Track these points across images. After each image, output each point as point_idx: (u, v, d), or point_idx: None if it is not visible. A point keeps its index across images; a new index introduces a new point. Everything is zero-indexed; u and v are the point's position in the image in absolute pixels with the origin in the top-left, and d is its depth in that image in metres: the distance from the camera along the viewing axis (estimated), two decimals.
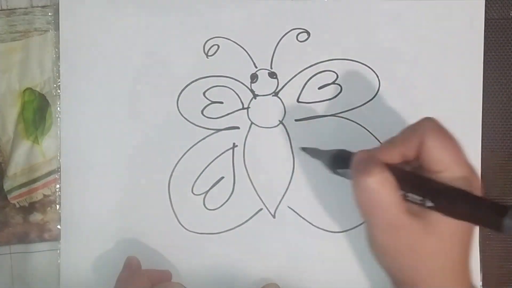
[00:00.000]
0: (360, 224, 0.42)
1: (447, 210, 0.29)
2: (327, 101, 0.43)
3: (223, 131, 0.43)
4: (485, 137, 0.42)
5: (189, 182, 0.43)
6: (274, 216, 0.42)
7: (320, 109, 0.42)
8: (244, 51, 0.43)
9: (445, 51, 0.42)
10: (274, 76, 0.43)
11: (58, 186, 0.43)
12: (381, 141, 0.42)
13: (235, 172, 0.43)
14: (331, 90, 0.43)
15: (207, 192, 0.43)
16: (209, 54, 0.43)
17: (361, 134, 0.42)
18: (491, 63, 0.43)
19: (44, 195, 0.43)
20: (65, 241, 0.42)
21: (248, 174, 0.42)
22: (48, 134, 0.43)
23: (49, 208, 0.43)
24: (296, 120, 0.43)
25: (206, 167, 0.43)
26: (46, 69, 0.43)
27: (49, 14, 0.43)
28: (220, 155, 0.43)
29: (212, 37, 0.43)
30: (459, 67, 0.42)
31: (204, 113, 0.43)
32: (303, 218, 0.42)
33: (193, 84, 0.43)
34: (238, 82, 0.43)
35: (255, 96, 0.43)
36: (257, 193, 0.42)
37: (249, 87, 0.43)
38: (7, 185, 0.43)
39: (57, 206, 0.43)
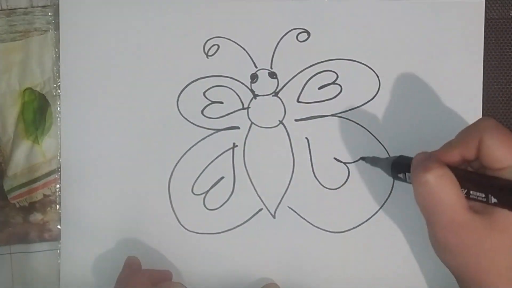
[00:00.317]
0: (360, 224, 0.42)
1: (511, 206, 0.29)
2: (327, 101, 0.43)
3: (223, 131, 0.43)
4: None
5: (189, 182, 0.42)
6: (274, 216, 0.42)
7: (320, 109, 0.42)
8: (244, 51, 0.43)
9: (445, 51, 0.42)
10: (274, 76, 0.43)
11: (58, 186, 0.43)
12: (381, 141, 0.42)
13: (235, 172, 0.43)
14: (331, 90, 0.43)
15: (207, 192, 0.43)
16: (209, 54, 0.43)
17: (361, 134, 0.42)
18: (491, 63, 0.43)
19: (44, 195, 0.43)
20: (65, 241, 0.42)
21: (248, 174, 0.42)
22: (48, 134, 0.43)
23: (49, 208, 0.43)
24: (296, 120, 0.43)
25: (206, 167, 0.43)
26: (46, 69, 0.43)
27: (49, 14, 0.43)
28: (220, 155, 0.43)
29: (212, 37, 0.43)
30: (459, 67, 0.42)
31: (204, 113, 0.43)
32: (303, 218, 0.42)
33: (193, 84, 0.43)
34: (238, 82, 0.43)
35: (255, 96, 0.43)
36: (257, 193, 0.42)
37: (249, 87, 0.43)
38: (7, 185, 0.43)
39: (57, 206, 0.43)
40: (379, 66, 0.42)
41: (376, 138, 0.42)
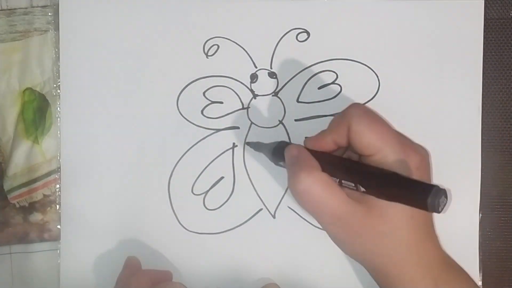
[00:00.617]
0: None
1: (377, 193, 0.30)
2: (327, 101, 0.43)
3: (223, 131, 0.43)
4: (485, 137, 0.42)
5: (189, 182, 0.43)
6: (274, 216, 0.42)
7: (320, 109, 0.42)
8: (244, 51, 0.43)
9: (445, 51, 0.42)
10: (274, 76, 0.43)
11: (58, 186, 0.43)
12: None
13: (235, 172, 0.43)
14: (331, 90, 0.43)
15: (207, 192, 0.43)
16: (209, 54, 0.43)
17: None
18: (491, 63, 0.43)
19: (44, 195, 0.43)
20: (65, 241, 0.42)
21: (248, 174, 0.42)
22: (48, 134, 0.43)
23: (49, 208, 0.43)
24: (296, 120, 0.43)
25: (206, 167, 0.43)
26: (46, 69, 0.43)
27: (49, 14, 0.43)
28: (220, 155, 0.43)
29: (212, 37, 0.43)
30: (459, 67, 0.42)
31: (204, 113, 0.43)
32: (303, 218, 0.42)
33: (193, 84, 0.43)
34: (238, 82, 0.43)
35: (255, 96, 0.43)
36: (257, 193, 0.42)
37: (249, 87, 0.43)
38: (7, 185, 0.43)
39: (57, 206, 0.43)
40: (379, 66, 0.42)
41: None
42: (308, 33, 0.43)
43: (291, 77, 0.43)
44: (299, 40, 0.43)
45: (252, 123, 0.43)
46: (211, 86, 0.43)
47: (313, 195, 0.31)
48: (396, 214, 0.31)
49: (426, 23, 0.42)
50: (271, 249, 0.42)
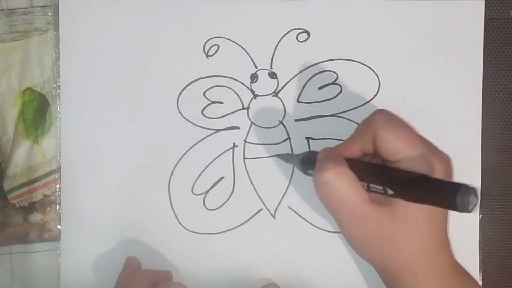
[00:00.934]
0: None
1: (406, 196, 0.30)
2: (327, 101, 0.43)
3: (223, 131, 0.43)
4: (485, 137, 0.42)
5: (189, 182, 0.43)
6: (274, 216, 0.42)
7: (320, 109, 0.42)
8: (244, 51, 0.43)
9: (445, 51, 0.42)
10: (274, 76, 0.43)
11: (58, 186, 0.43)
12: None
13: (235, 172, 0.43)
14: (331, 90, 0.43)
15: (207, 192, 0.43)
16: (209, 54, 0.43)
17: None
18: (491, 63, 0.43)
19: (44, 195, 0.43)
20: (65, 241, 0.42)
21: (248, 174, 0.42)
22: (48, 134, 0.43)
23: (49, 208, 0.43)
24: (296, 120, 0.43)
25: (206, 167, 0.43)
26: (46, 69, 0.43)
27: (49, 14, 0.43)
28: (220, 155, 0.43)
29: (212, 37, 0.43)
30: (459, 67, 0.42)
31: (204, 113, 0.43)
32: (303, 218, 0.42)
33: (193, 84, 0.43)
34: (238, 82, 0.43)
35: (255, 96, 0.43)
36: (257, 193, 0.42)
37: (249, 87, 0.43)
38: (7, 185, 0.43)
39: (57, 206, 0.43)
40: (379, 66, 0.42)
41: None
42: (309, 33, 0.43)
43: (291, 77, 0.43)
44: (299, 40, 0.43)
45: (252, 123, 0.43)
46: (211, 86, 0.43)
47: (335, 188, 0.30)
48: (419, 219, 0.30)
49: (426, 23, 0.42)
50: (271, 249, 0.42)
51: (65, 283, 0.42)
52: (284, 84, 0.43)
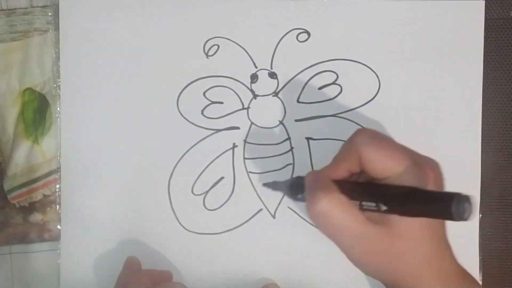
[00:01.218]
0: None
1: (400, 211, 0.30)
2: (327, 101, 0.43)
3: (223, 131, 0.43)
4: (485, 137, 0.42)
5: (189, 182, 0.43)
6: (274, 216, 0.42)
7: (320, 109, 0.42)
8: (244, 51, 0.43)
9: (445, 51, 0.42)
10: (274, 76, 0.43)
11: (58, 186, 0.43)
12: None
13: (235, 172, 0.43)
14: (331, 90, 0.43)
15: (207, 192, 0.43)
16: (209, 54, 0.43)
17: None
18: (491, 63, 0.43)
19: (44, 195, 0.43)
20: (65, 241, 0.42)
21: (248, 174, 0.42)
22: (48, 134, 0.43)
23: (49, 208, 0.43)
24: (296, 121, 0.43)
25: (206, 167, 0.43)
26: (46, 69, 0.43)
27: (49, 14, 0.43)
28: (220, 155, 0.43)
29: (212, 37, 0.43)
30: (459, 67, 0.42)
31: (204, 113, 0.43)
32: (303, 218, 0.42)
33: (193, 84, 0.43)
34: (238, 82, 0.43)
35: (255, 96, 0.43)
36: (257, 193, 0.42)
37: (249, 87, 0.43)
38: (7, 185, 0.43)
39: (57, 206, 0.43)
40: (379, 66, 0.42)
41: None
42: (309, 33, 0.43)
43: (291, 77, 0.43)
44: (300, 40, 0.43)
45: (252, 123, 0.43)
46: (211, 86, 0.43)
47: (331, 216, 0.30)
48: (417, 233, 0.30)
49: (426, 23, 0.42)
50: (271, 249, 0.42)
51: (65, 283, 0.42)
52: (284, 84, 0.43)
